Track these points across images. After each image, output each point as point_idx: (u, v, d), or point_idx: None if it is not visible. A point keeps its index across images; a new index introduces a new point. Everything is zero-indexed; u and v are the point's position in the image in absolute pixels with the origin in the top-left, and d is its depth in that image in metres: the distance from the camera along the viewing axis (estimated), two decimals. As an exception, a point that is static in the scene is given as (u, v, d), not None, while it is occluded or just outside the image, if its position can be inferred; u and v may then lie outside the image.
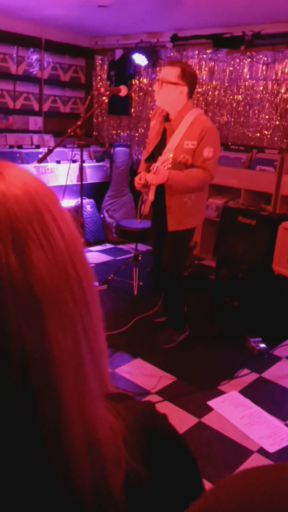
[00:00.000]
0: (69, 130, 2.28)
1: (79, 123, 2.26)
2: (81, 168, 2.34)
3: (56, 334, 0.45)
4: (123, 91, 2.51)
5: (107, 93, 2.42)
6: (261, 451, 2.23)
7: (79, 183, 5.52)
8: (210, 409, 2.52)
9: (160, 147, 2.88)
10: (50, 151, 2.35)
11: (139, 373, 2.84)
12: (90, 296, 0.51)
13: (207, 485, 1.73)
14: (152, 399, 2.57)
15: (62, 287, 0.46)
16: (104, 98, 2.42)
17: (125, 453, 0.50)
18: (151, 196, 2.82)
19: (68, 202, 4.52)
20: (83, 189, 5.52)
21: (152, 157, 2.95)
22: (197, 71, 5.29)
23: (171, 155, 2.64)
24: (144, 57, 5.52)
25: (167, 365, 2.92)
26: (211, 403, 2.57)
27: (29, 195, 0.46)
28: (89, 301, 0.50)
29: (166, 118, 2.88)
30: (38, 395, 0.44)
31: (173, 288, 3.13)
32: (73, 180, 5.58)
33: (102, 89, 2.43)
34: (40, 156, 5.43)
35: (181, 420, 2.42)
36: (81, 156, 2.31)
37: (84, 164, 5.67)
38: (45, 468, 0.45)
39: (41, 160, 2.42)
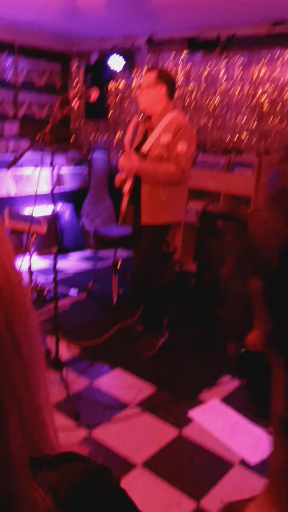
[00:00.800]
0: (38, 135, 2.20)
1: (47, 129, 2.18)
2: (52, 175, 2.26)
3: None
4: (94, 95, 2.44)
5: (77, 97, 2.35)
6: (242, 463, 2.17)
7: (56, 189, 5.43)
8: (190, 420, 2.46)
9: (141, 145, 2.94)
10: (19, 156, 2.27)
11: (118, 385, 2.76)
12: (28, 356, 0.44)
13: (189, 501, 1.64)
14: (130, 412, 2.50)
15: None
16: (73, 103, 2.35)
17: None
18: (127, 187, 2.87)
19: (45, 209, 4.43)
20: (62, 195, 5.45)
21: None
22: (173, 74, 5.26)
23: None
24: (121, 58, 5.46)
25: (147, 374, 2.85)
26: (192, 413, 2.51)
27: None
28: (26, 362, 0.43)
29: (147, 119, 2.98)
30: None
31: (148, 289, 3.07)
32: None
33: (71, 93, 2.36)
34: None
35: (161, 433, 2.35)
36: (52, 163, 2.23)
37: (62, 171, 5.60)
38: None
39: (9, 166, 2.34)
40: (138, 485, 2.01)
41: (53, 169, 2.34)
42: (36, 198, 2.61)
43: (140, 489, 1.99)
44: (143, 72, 2.99)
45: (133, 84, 5.70)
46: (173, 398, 2.63)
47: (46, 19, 4.77)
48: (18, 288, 0.43)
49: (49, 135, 2.21)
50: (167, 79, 2.89)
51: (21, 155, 2.27)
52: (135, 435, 2.32)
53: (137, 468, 2.10)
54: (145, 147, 2.86)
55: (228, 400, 2.63)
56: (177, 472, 2.10)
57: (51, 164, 2.30)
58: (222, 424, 2.42)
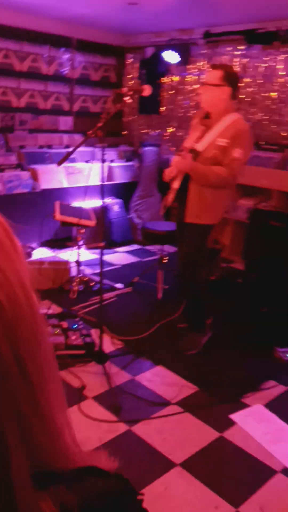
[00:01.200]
0: (89, 132, 2.21)
1: (99, 124, 2.19)
2: (102, 170, 2.27)
3: None
4: (147, 90, 2.43)
5: (130, 93, 2.35)
6: (285, 471, 2.10)
7: (106, 183, 5.49)
8: (232, 423, 2.41)
9: (196, 143, 2.90)
10: (69, 154, 2.30)
11: (160, 382, 2.76)
12: (37, 378, 0.42)
13: (227, 506, 1.59)
14: (172, 410, 2.49)
15: None
16: (127, 98, 2.34)
17: None
18: (176, 184, 2.85)
19: (95, 202, 4.48)
20: (112, 189, 5.50)
21: None
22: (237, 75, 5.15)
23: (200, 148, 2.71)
24: (176, 53, 5.41)
25: (190, 374, 2.82)
26: (233, 416, 2.46)
27: None
28: (35, 384, 0.41)
29: (206, 117, 2.93)
30: None
31: (192, 286, 3.07)
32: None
33: (125, 89, 2.35)
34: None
35: (201, 434, 2.32)
36: (102, 158, 2.24)
37: (112, 164, 5.65)
38: None
39: (60, 163, 2.37)
40: (177, 484, 2.00)
41: (102, 164, 2.35)
42: (87, 192, 2.65)
43: (178, 489, 1.98)
44: (208, 68, 2.89)
45: (188, 79, 5.63)
46: (215, 399, 2.59)
47: (103, 13, 4.80)
48: (26, 306, 0.41)
49: (101, 130, 2.22)
50: (232, 81, 2.81)
51: (72, 152, 2.30)
52: (176, 434, 2.31)
53: (176, 468, 2.09)
54: (200, 146, 2.81)
55: (272, 406, 2.56)
56: (216, 475, 2.07)
57: (103, 159, 2.31)
58: (265, 430, 2.36)
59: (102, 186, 2.36)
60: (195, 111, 3.23)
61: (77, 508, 0.42)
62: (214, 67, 2.87)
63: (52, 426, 0.44)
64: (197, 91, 2.94)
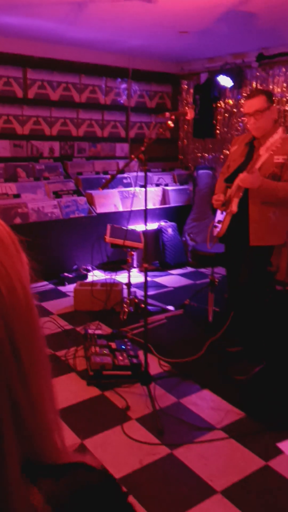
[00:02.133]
0: (132, 156, 2.29)
1: (142, 148, 2.26)
2: (146, 194, 2.33)
3: None
4: (189, 114, 2.48)
5: (173, 117, 2.40)
6: None
7: (161, 206, 5.56)
8: (279, 452, 2.30)
9: (245, 165, 2.89)
10: (112, 178, 2.39)
11: (206, 406, 2.70)
12: (30, 366, 0.45)
13: None
14: (216, 435, 2.42)
15: None
16: (169, 122, 2.40)
17: None
18: (234, 208, 2.82)
19: (147, 225, 4.57)
20: (166, 212, 5.56)
21: (232, 179, 2.93)
22: (284, 89, 5.10)
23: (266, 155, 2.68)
24: (229, 78, 5.45)
25: (237, 399, 2.74)
26: (281, 445, 2.34)
27: None
28: (27, 372, 0.45)
29: (251, 141, 2.95)
30: None
31: (251, 311, 3.00)
32: (156, 203, 5.64)
33: (168, 114, 2.42)
34: (124, 181, 5.59)
35: (245, 461, 2.23)
36: (145, 181, 2.30)
37: (167, 188, 5.73)
38: None
39: (103, 187, 2.46)
40: (216, 513, 1.93)
41: (146, 188, 2.40)
42: (139, 215, 2.71)
43: (217, 518, 1.91)
44: (246, 99, 2.87)
45: (242, 101, 5.64)
46: (261, 427, 2.49)
47: (156, 43, 4.97)
48: (22, 298, 0.45)
49: (143, 154, 2.29)
50: (273, 98, 2.89)
51: (114, 176, 2.38)
52: (218, 460, 2.24)
53: (217, 495, 2.02)
54: (256, 166, 2.76)
55: None
56: (259, 505, 1.98)
57: (146, 182, 2.37)
58: (314, 462, 2.22)
59: (145, 210, 2.41)
60: (234, 137, 3.22)
61: (64, 499, 0.44)
62: (253, 95, 2.84)
63: (43, 421, 0.47)
64: (246, 122, 2.89)
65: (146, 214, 2.43)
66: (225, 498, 2.00)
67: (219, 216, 3.06)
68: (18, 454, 0.43)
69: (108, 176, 5.57)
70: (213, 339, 3.44)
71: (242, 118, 2.81)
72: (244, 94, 5.61)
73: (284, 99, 5.15)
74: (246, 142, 3.00)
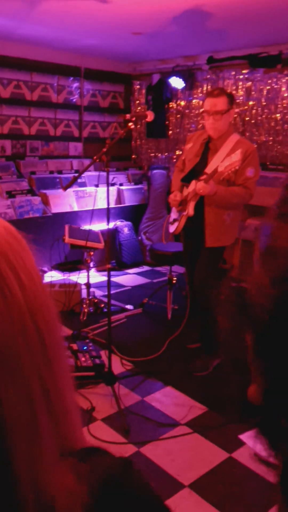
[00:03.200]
0: (94, 157, 2.29)
1: (104, 149, 2.27)
2: (108, 194, 2.34)
3: (6, 395, 0.42)
4: (149, 116, 2.51)
5: (133, 119, 2.43)
6: (296, 492, 2.07)
7: (116, 206, 5.58)
8: (242, 443, 2.39)
9: (200, 166, 2.97)
10: (75, 178, 2.38)
11: (170, 402, 2.76)
12: (52, 352, 0.48)
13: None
14: (181, 431, 2.48)
15: (17, 344, 0.44)
16: (130, 124, 2.43)
17: None
18: (191, 211, 2.91)
19: (104, 226, 4.56)
20: (121, 212, 5.58)
21: (188, 179, 3.01)
22: (233, 92, 5.26)
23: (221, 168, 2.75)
24: (181, 80, 5.55)
25: (199, 394, 2.82)
26: (243, 437, 2.44)
27: None
28: (51, 357, 0.48)
29: (208, 140, 2.99)
30: None
31: (207, 308, 3.07)
32: (111, 203, 5.64)
33: (128, 115, 2.44)
34: (79, 180, 5.55)
35: (210, 454, 2.31)
36: (107, 182, 2.31)
37: (122, 187, 5.75)
38: None
39: (66, 188, 2.45)
40: (186, 506, 1.99)
41: (108, 188, 2.42)
42: (96, 215, 2.72)
43: (187, 511, 1.97)
44: (208, 96, 2.90)
45: (193, 103, 5.76)
46: (224, 419, 2.58)
47: (109, 43, 4.98)
48: (39, 285, 0.48)
49: (106, 155, 2.30)
50: (233, 102, 2.94)
51: (78, 176, 2.38)
52: (184, 455, 2.30)
53: (185, 489, 2.08)
54: (211, 168, 2.85)
55: (283, 425, 2.53)
56: (226, 496, 2.05)
57: (108, 183, 2.38)
58: (275, 450, 2.33)
59: (108, 210, 2.42)
60: (188, 134, 3.25)
61: (92, 475, 0.47)
62: (217, 94, 2.87)
63: (66, 403, 0.50)
64: (204, 121, 2.93)
65: (108, 214, 2.44)
66: (193, 491, 2.06)
67: (174, 214, 3.14)
68: (54, 435, 0.46)
69: (63, 176, 5.51)
70: (173, 337, 3.50)
71: (202, 112, 2.84)
72: (195, 96, 5.73)
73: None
74: (201, 142, 3.04)
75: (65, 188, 2.47)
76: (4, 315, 0.44)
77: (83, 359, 2.98)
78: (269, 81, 4.95)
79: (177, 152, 6.02)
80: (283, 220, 0.27)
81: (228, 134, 2.93)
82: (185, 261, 3.32)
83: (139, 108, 6.38)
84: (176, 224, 3.11)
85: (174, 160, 6.06)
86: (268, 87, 4.97)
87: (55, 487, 0.44)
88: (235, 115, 5.28)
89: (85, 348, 3.13)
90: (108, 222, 2.45)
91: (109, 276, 2.60)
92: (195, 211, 2.93)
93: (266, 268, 0.27)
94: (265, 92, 5.00)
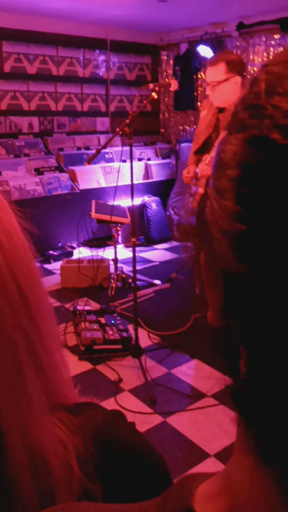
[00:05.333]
0: (117, 129, 2.26)
1: (127, 121, 2.24)
2: (131, 168, 2.32)
3: None
4: (173, 85, 2.45)
5: (156, 89, 2.38)
6: None
7: (144, 181, 5.54)
8: (268, 416, 2.39)
9: (213, 138, 2.87)
10: (98, 151, 2.37)
11: (196, 375, 2.77)
12: (36, 310, 0.48)
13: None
14: (207, 403, 2.50)
15: None
16: (153, 94, 2.38)
17: (78, 472, 0.46)
18: (201, 189, 2.87)
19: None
20: (149, 187, 5.54)
21: (203, 150, 2.93)
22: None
23: None
24: (209, 48, 5.38)
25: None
26: (270, 409, 2.43)
27: None
28: (35, 315, 0.48)
29: (220, 109, 2.85)
30: None
31: None
32: (139, 178, 5.61)
33: (151, 85, 2.39)
34: (106, 156, 5.53)
35: (235, 426, 2.31)
36: (131, 156, 2.29)
37: (149, 162, 5.69)
38: None
39: (89, 161, 2.44)
40: (210, 475, 2.01)
41: (131, 163, 2.39)
42: (123, 190, 2.71)
43: (211, 479, 1.99)
44: (207, 65, 2.69)
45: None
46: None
47: (134, 13, 4.85)
48: (20, 245, 0.48)
49: (128, 128, 2.27)
50: (238, 68, 2.63)
51: (99, 150, 2.36)
52: (210, 426, 2.32)
53: (210, 458, 2.11)
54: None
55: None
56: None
57: (131, 157, 2.36)
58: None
59: (132, 185, 2.40)
60: (203, 101, 3.03)
61: (86, 432, 0.48)
62: (212, 63, 2.65)
63: (53, 359, 0.50)
64: (206, 93, 2.76)
65: (132, 189, 2.42)
66: (218, 461, 2.09)
67: (193, 188, 3.10)
68: (41, 387, 0.47)
69: (90, 152, 5.50)
70: (201, 305, 3.50)
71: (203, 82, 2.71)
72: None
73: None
74: (214, 111, 2.89)
75: (88, 162, 2.46)
76: None
77: (110, 332, 3.02)
78: (302, 46, 4.72)
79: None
80: (228, 133, 0.26)
81: None
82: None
83: (167, 79, 6.24)
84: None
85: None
86: (301, 52, 4.74)
87: (46, 438, 0.45)
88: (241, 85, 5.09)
89: (112, 322, 3.17)
90: (132, 197, 2.44)
91: (134, 250, 2.60)
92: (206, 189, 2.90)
93: (215, 183, 0.26)
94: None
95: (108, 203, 4.07)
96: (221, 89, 2.63)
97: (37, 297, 0.48)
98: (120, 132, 2.26)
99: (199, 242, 2.92)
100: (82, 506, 0.39)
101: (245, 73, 2.70)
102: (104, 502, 0.46)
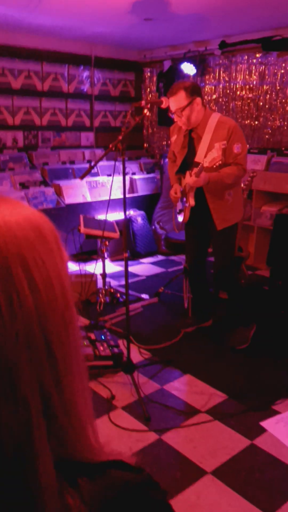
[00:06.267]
0: (110, 145, 2.27)
1: (120, 137, 2.25)
2: (124, 183, 2.32)
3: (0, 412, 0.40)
4: (165, 102, 2.48)
5: (148, 106, 2.40)
6: None
7: (129, 195, 5.55)
8: (263, 430, 2.38)
9: (190, 156, 3.00)
10: (91, 167, 2.36)
11: (189, 390, 2.76)
12: (63, 363, 0.45)
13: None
14: (201, 419, 2.48)
15: (18, 358, 0.40)
16: (145, 111, 2.40)
17: None
18: (192, 202, 2.97)
19: (118, 215, 4.56)
20: (134, 201, 5.56)
21: (183, 169, 3.05)
22: (247, 76, 5.18)
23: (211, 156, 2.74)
24: (192, 66, 5.47)
25: (218, 382, 2.81)
26: (264, 424, 2.43)
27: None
28: (60, 368, 0.44)
29: (190, 130, 2.98)
30: None
31: (233, 284, 3.28)
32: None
33: (143, 102, 2.41)
34: (92, 171, 5.53)
35: (231, 441, 2.31)
36: (123, 171, 2.29)
37: (134, 177, 5.72)
38: None
39: (82, 177, 2.43)
40: (209, 492, 1.99)
41: (124, 178, 2.40)
42: (110, 205, 2.71)
43: (210, 497, 1.97)
44: (168, 96, 2.82)
45: (205, 89, 5.68)
46: (245, 407, 2.57)
47: (119, 30, 4.91)
48: (59, 292, 0.44)
49: (121, 144, 2.28)
50: (196, 90, 2.85)
51: (93, 166, 2.36)
52: (206, 442, 2.30)
53: (208, 476, 2.08)
54: (200, 157, 2.86)
55: (304, 412, 2.52)
56: (248, 483, 2.05)
57: (124, 173, 2.36)
58: (297, 437, 2.32)
59: (124, 199, 2.41)
60: (170, 127, 3.20)
61: (100, 499, 0.43)
62: (172, 93, 2.80)
63: (76, 418, 0.46)
64: (174, 119, 2.93)
65: (125, 203, 2.42)
66: (216, 478, 2.07)
67: (179, 205, 3.19)
68: (51, 451, 0.43)
69: (75, 166, 5.50)
70: (190, 320, 3.51)
71: (169, 113, 2.80)
72: (208, 82, 5.65)
73: (247, 86, 5.23)
74: (184, 133, 3.02)
75: (81, 177, 2.46)
76: (7, 324, 0.40)
77: (101, 348, 2.99)
78: (283, 65, 4.85)
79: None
80: None
81: (206, 118, 2.90)
82: (188, 245, 3.37)
83: (150, 95, 6.32)
84: (182, 214, 3.15)
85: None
86: (282, 71, 4.88)
87: (51, 505, 0.41)
88: (248, 101, 5.20)
89: (103, 337, 3.13)
90: (125, 211, 2.44)
91: (126, 264, 2.60)
92: (196, 200, 2.97)
93: None
94: (279, 76, 4.91)
95: (96, 217, 4.06)
96: (187, 114, 2.83)
97: (67, 350, 0.45)
98: (113, 148, 2.27)
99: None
100: None
101: (201, 93, 2.89)
102: None
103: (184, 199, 3.08)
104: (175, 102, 2.80)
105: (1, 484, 0.40)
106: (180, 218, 3.20)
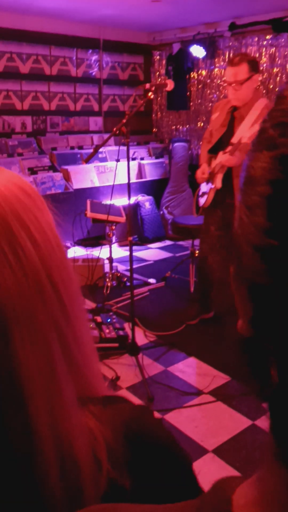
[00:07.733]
0: (114, 129, 2.28)
1: (124, 121, 2.25)
2: (128, 167, 2.33)
3: (24, 351, 0.43)
4: (170, 85, 2.47)
5: (153, 88, 2.39)
6: None
7: (137, 180, 5.55)
8: (265, 411, 2.41)
9: (227, 136, 2.91)
10: (95, 151, 2.38)
11: (193, 372, 2.80)
12: (70, 307, 0.49)
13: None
14: (204, 399, 2.52)
15: (33, 301, 0.45)
16: (149, 94, 2.39)
17: (107, 466, 0.47)
18: (219, 184, 2.88)
19: (126, 201, 4.57)
20: (142, 186, 5.56)
21: (216, 149, 2.97)
22: (257, 58, 5.10)
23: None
24: (202, 48, 5.41)
25: (222, 364, 2.84)
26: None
27: None
28: (69, 313, 0.49)
29: (234, 108, 2.91)
30: (7, 412, 0.43)
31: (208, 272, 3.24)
32: (132, 178, 5.62)
33: (148, 85, 2.40)
34: (100, 155, 5.53)
35: (233, 422, 2.34)
36: (128, 155, 2.30)
37: (143, 162, 5.71)
38: (15, 485, 0.44)
39: (87, 160, 2.45)
40: (209, 470, 2.04)
41: (128, 162, 2.41)
42: (118, 190, 2.73)
43: (210, 475, 2.02)
44: (228, 65, 2.78)
45: (215, 72, 5.62)
46: (247, 388, 2.60)
47: (128, 13, 4.87)
48: (55, 243, 0.49)
49: (125, 128, 2.28)
50: (257, 67, 2.82)
51: (97, 149, 2.37)
52: (208, 422, 2.35)
53: (209, 454, 2.13)
54: (238, 138, 2.79)
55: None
56: (249, 461, 2.09)
57: (128, 156, 2.37)
58: (298, 418, 2.36)
59: (128, 184, 2.42)
60: (215, 104, 3.17)
61: (116, 424, 0.49)
62: (235, 63, 2.75)
63: (86, 353, 0.51)
64: (227, 92, 2.87)
65: (129, 188, 2.44)
66: (217, 456, 2.11)
67: (204, 186, 3.10)
68: (72, 380, 0.48)
69: (84, 151, 5.50)
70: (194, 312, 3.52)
71: (222, 82, 2.77)
72: (217, 65, 5.59)
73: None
74: (227, 111, 2.96)
75: (85, 161, 2.47)
76: (19, 276, 0.44)
77: (107, 330, 3.04)
78: (294, 46, 4.77)
79: (199, 124, 5.91)
80: (257, 149, 0.27)
81: (254, 100, 2.83)
82: (204, 231, 3.23)
83: (159, 79, 6.26)
84: (205, 197, 3.08)
85: (196, 133, 5.96)
86: (293, 53, 4.79)
87: (76, 432, 0.46)
88: (258, 84, 5.13)
89: (108, 320, 3.18)
90: (129, 196, 2.45)
91: (131, 248, 2.62)
92: (223, 183, 2.90)
93: (245, 198, 0.27)
94: (289, 58, 4.83)
95: (103, 202, 4.08)
96: (245, 89, 2.76)
97: (71, 293, 0.49)
98: (117, 132, 2.27)
99: (228, 255, 2.95)
100: (118, 508, 0.39)
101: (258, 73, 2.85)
102: (131, 495, 0.47)
103: (206, 185, 3.05)
104: (235, 73, 2.72)
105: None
106: (202, 201, 3.10)
